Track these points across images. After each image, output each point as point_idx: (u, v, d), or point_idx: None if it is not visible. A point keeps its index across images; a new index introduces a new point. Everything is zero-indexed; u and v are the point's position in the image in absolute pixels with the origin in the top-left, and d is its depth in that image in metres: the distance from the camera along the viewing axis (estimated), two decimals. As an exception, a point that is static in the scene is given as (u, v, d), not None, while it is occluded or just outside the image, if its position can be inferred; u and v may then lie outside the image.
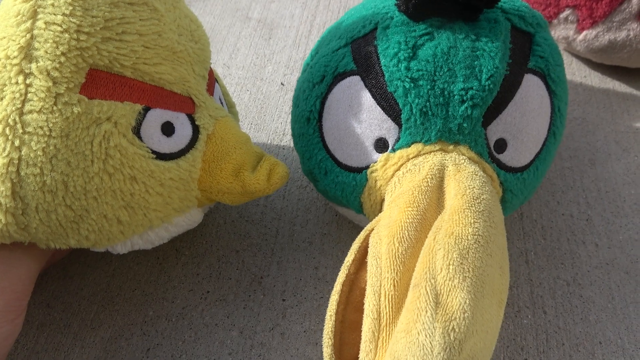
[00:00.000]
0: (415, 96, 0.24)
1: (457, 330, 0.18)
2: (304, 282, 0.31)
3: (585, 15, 0.37)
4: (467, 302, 0.19)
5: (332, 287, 0.23)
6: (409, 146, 0.24)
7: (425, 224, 0.22)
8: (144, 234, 0.25)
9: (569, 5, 0.38)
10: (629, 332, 0.28)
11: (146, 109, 0.24)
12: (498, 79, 0.24)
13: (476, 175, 0.23)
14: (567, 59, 0.43)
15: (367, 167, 0.25)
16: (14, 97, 0.21)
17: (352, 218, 0.30)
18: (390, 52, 0.25)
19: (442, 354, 0.18)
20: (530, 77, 0.26)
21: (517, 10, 0.27)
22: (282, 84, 0.42)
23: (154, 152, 0.24)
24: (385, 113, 0.25)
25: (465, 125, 0.24)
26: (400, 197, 0.23)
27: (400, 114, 0.24)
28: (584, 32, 0.38)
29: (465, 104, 0.24)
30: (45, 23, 0.21)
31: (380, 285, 0.20)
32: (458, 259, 0.20)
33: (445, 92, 0.24)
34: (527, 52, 0.26)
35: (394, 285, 0.20)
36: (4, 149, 0.21)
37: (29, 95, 0.21)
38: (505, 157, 0.25)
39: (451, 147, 0.24)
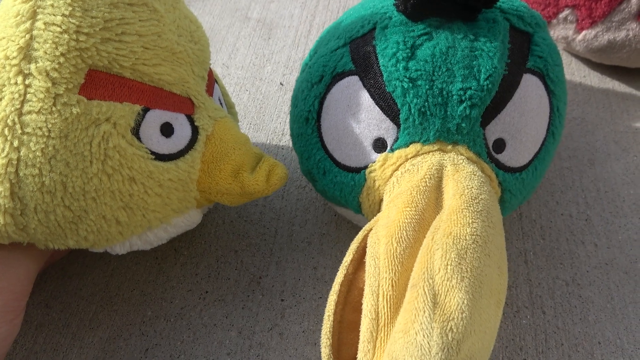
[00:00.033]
0: (413, 96, 0.24)
1: (455, 330, 0.18)
2: (302, 282, 0.31)
3: (585, 15, 0.37)
4: (465, 302, 0.19)
5: (331, 287, 0.23)
6: (408, 146, 0.24)
7: (423, 224, 0.22)
8: (143, 234, 0.25)
9: (568, 5, 0.38)
10: (628, 332, 0.28)
11: (145, 110, 0.24)
12: (497, 78, 0.24)
13: (475, 175, 0.23)
14: (566, 58, 0.43)
15: (366, 167, 0.25)
16: (13, 98, 0.21)
17: (350, 218, 0.30)
18: (389, 52, 0.25)
19: (440, 354, 0.18)
20: (528, 77, 0.26)
21: (516, 10, 0.27)
22: (281, 84, 0.42)
23: (153, 152, 0.24)
24: (384, 113, 0.25)
25: (463, 125, 0.24)
26: (399, 197, 0.23)
27: (399, 114, 0.24)
28: (583, 32, 0.38)
29: (464, 104, 0.24)
30: (45, 24, 0.21)
31: (379, 286, 0.20)
32: (456, 259, 0.20)
33: (444, 92, 0.24)
34: (525, 52, 0.26)
35: (392, 286, 0.20)
36: (3, 150, 0.21)
37: (28, 95, 0.21)
38: (504, 157, 0.25)
39: (450, 147, 0.24)
